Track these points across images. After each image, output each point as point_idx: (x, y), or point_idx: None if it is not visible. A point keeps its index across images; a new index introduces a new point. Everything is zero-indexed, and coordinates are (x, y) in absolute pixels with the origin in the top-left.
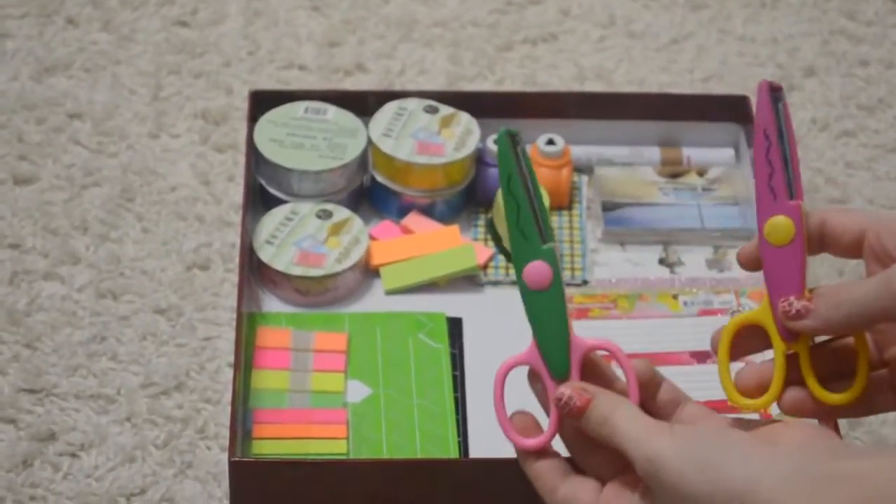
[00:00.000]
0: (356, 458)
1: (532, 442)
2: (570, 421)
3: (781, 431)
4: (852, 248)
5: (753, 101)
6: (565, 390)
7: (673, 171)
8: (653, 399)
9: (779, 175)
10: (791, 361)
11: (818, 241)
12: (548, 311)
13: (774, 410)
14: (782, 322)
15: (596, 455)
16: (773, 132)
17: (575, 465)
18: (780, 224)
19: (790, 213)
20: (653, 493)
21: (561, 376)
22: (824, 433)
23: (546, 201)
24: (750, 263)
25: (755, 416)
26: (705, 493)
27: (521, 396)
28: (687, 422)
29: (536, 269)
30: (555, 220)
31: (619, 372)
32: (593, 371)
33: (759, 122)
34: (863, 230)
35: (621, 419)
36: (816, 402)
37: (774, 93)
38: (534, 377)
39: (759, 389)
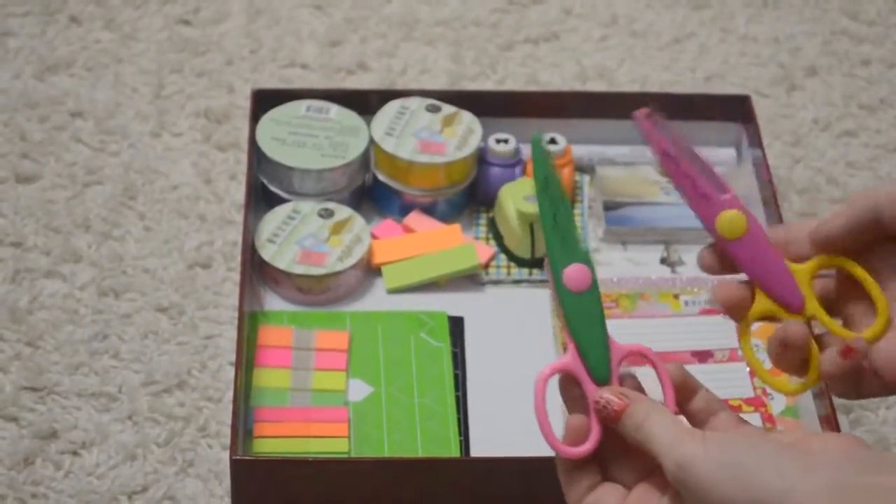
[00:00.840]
0: (357, 456)
1: (577, 451)
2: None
3: (816, 442)
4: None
5: (756, 100)
6: (604, 394)
7: None
8: (687, 405)
9: (701, 180)
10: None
11: (872, 225)
12: (588, 314)
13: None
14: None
15: (625, 460)
16: (672, 150)
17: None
18: (730, 217)
19: (732, 205)
20: (681, 498)
21: (603, 380)
22: (860, 444)
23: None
24: (713, 268)
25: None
26: (736, 501)
27: (522, 400)
28: (721, 430)
29: (577, 272)
30: None
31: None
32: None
33: (656, 148)
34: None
35: (655, 424)
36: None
37: (651, 118)
38: (569, 384)
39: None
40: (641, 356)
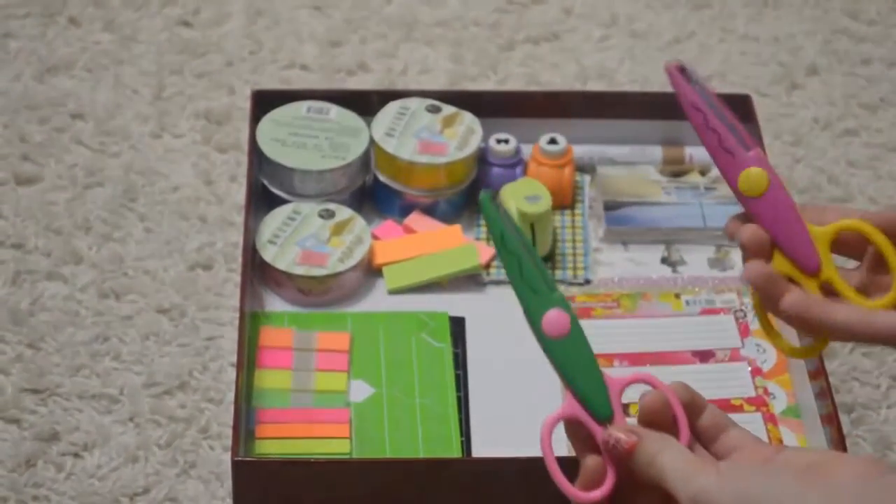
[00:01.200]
0: (359, 457)
1: (594, 495)
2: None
3: (835, 465)
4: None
5: (756, 100)
6: (613, 432)
7: (675, 170)
8: (695, 423)
9: (727, 136)
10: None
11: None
12: (574, 357)
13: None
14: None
15: (641, 496)
16: (701, 104)
17: None
18: (752, 174)
19: (755, 162)
20: None
21: (606, 418)
22: (881, 467)
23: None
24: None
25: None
26: None
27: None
28: (732, 447)
29: (554, 318)
30: (557, 220)
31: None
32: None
33: (685, 101)
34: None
35: (667, 458)
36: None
37: (684, 73)
38: (575, 427)
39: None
40: (642, 382)
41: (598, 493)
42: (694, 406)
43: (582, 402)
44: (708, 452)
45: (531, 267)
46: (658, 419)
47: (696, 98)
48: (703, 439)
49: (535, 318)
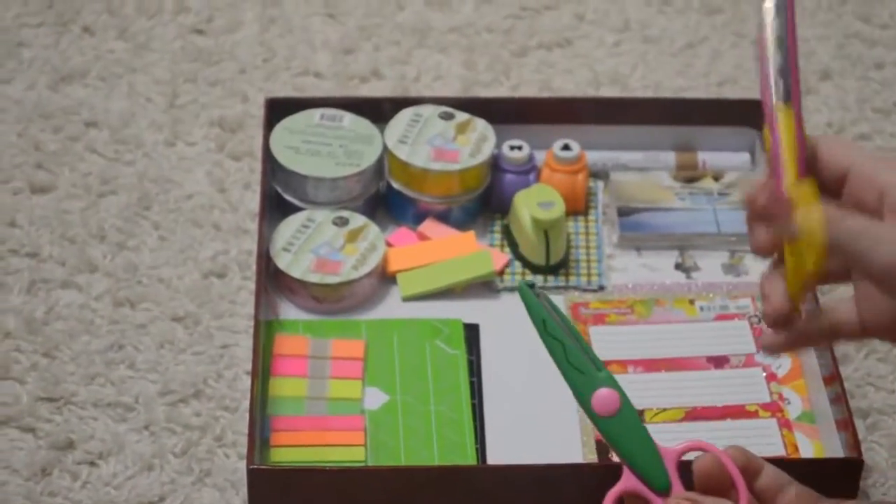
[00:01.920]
0: (374, 465)
1: None
2: None
3: None
4: (835, 183)
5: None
6: (672, 503)
7: (688, 175)
8: (753, 486)
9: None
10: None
11: (811, 164)
12: (627, 432)
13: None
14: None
15: None
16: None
17: None
18: (765, 134)
19: (767, 121)
20: None
21: (664, 489)
22: None
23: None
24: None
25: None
26: None
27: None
28: None
29: (604, 398)
30: (571, 226)
31: None
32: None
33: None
34: (846, 170)
35: None
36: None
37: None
38: (633, 501)
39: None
40: (697, 450)
41: None
42: (750, 469)
43: (639, 475)
44: None
45: (575, 350)
46: (714, 483)
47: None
48: (763, 499)
49: (584, 398)
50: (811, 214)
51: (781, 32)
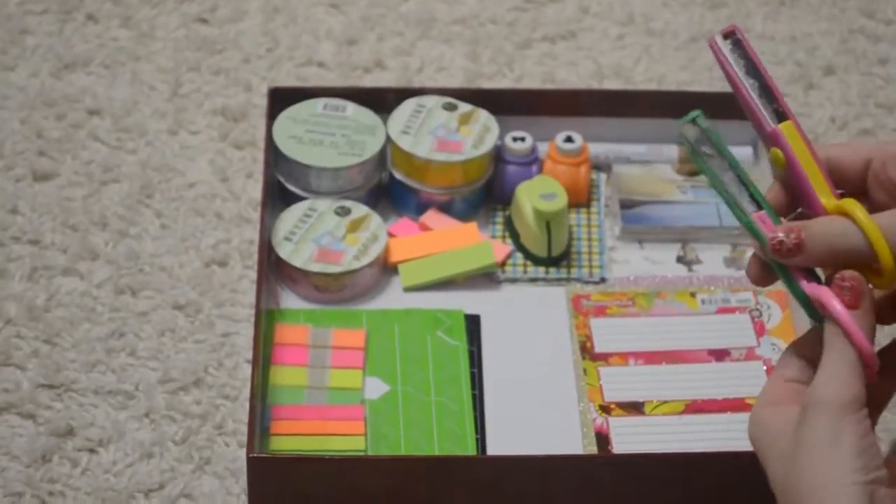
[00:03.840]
0: (374, 454)
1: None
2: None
3: None
4: (858, 179)
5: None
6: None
7: (691, 168)
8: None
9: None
10: None
11: (833, 171)
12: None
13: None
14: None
15: None
16: (735, 76)
17: None
18: (774, 154)
19: (773, 141)
20: None
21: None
22: None
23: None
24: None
25: None
26: None
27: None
28: None
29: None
30: (573, 218)
31: None
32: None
33: (728, 74)
34: (867, 160)
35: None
36: None
37: (727, 38)
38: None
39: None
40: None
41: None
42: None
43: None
44: None
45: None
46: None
47: (732, 70)
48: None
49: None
50: (874, 232)
51: (746, 60)
